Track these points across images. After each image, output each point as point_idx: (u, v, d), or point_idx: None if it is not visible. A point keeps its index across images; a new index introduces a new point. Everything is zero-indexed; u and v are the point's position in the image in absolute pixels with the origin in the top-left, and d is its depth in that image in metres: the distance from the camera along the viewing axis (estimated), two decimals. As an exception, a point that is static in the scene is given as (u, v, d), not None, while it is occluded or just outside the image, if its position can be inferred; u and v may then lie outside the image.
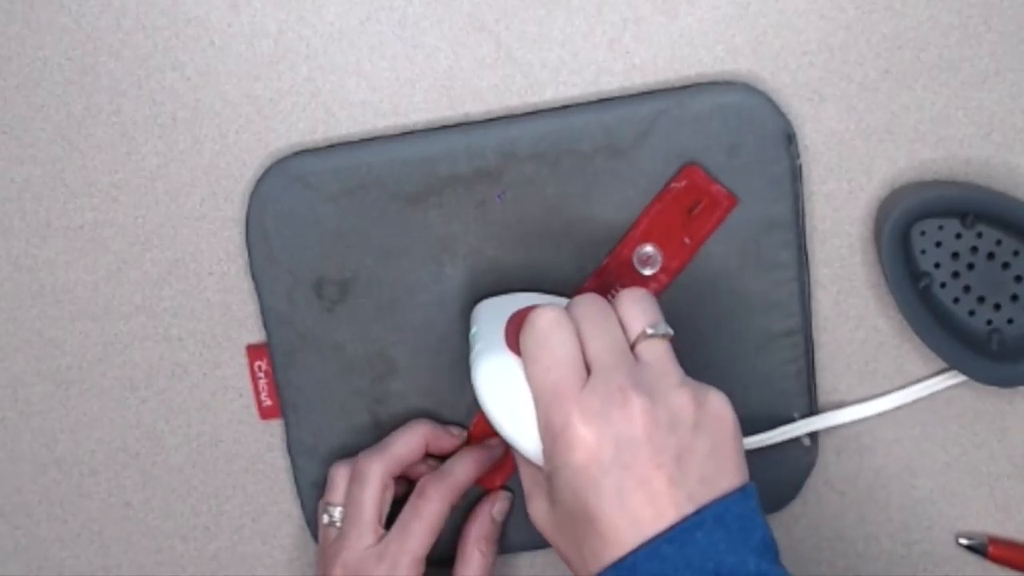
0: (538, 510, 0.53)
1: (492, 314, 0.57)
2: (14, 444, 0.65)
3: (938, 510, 0.64)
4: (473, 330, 0.57)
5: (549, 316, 0.52)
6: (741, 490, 0.49)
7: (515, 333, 0.54)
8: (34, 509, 0.65)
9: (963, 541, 0.64)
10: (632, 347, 0.52)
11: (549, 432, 0.50)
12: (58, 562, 0.66)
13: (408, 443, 0.60)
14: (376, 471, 0.58)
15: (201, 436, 0.64)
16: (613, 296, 0.60)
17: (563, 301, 0.58)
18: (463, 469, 0.59)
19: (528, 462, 0.54)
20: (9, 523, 0.66)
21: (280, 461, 0.64)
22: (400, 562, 0.57)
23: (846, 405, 0.62)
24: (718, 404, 0.50)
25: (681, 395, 0.50)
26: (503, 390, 0.53)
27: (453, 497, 0.58)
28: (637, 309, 0.52)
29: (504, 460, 0.62)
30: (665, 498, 0.48)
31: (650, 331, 0.52)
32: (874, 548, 0.65)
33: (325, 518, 0.60)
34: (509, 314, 0.55)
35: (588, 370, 0.51)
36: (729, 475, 0.49)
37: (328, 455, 0.62)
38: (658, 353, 0.51)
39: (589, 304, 0.53)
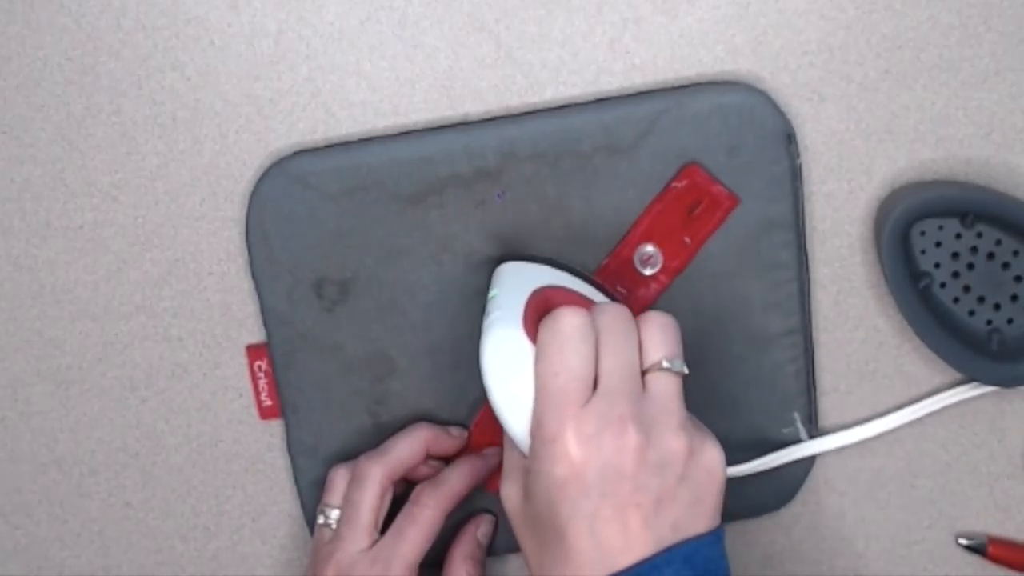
0: (510, 494, 0.54)
1: (516, 282, 0.56)
2: (14, 444, 0.65)
3: (938, 510, 0.64)
4: (493, 292, 0.56)
5: (574, 322, 0.51)
6: (713, 533, 0.50)
7: (534, 315, 0.53)
8: (34, 509, 0.65)
9: (963, 541, 0.64)
10: (643, 372, 0.51)
11: (539, 435, 0.51)
12: (58, 562, 0.66)
13: (409, 447, 0.60)
14: (376, 475, 0.58)
15: (201, 436, 0.64)
16: (620, 294, 0.60)
17: (589, 291, 0.57)
18: (459, 478, 0.59)
19: (513, 444, 0.54)
20: (9, 523, 0.66)
21: (280, 461, 0.64)
22: (393, 566, 0.56)
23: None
24: (711, 457, 0.51)
25: (678, 440, 0.50)
26: (507, 368, 0.52)
27: (448, 505, 0.58)
28: (660, 337, 0.52)
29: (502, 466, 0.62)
30: (636, 536, 0.48)
31: (666, 364, 0.51)
32: (874, 548, 0.65)
33: (321, 519, 0.60)
34: (533, 287, 0.55)
35: (595, 383, 0.51)
36: (703, 521, 0.50)
37: (328, 455, 0.62)
38: (667, 388, 0.51)
39: (615, 317, 0.52)
